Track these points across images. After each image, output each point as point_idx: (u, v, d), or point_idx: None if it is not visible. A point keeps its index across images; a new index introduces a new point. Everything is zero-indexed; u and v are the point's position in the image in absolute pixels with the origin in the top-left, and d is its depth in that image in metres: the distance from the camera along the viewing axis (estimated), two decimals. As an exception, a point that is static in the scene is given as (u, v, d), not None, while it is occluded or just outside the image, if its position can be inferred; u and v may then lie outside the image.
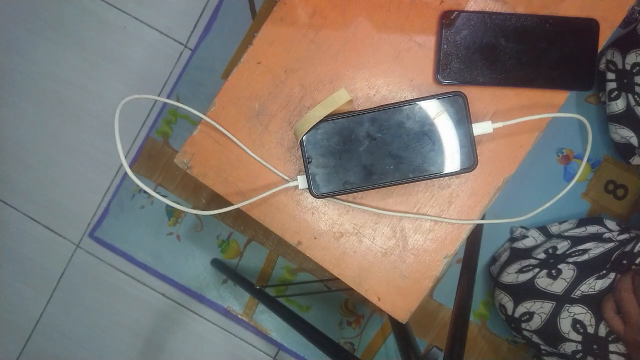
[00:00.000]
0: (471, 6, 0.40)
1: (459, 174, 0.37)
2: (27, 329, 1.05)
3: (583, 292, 0.71)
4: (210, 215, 1.01)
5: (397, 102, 0.37)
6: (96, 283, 1.03)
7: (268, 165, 0.41)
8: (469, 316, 0.65)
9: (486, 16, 0.39)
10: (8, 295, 1.05)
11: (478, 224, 0.48)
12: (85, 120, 1.01)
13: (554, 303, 0.73)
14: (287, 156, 0.41)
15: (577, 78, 0.40)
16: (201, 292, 1.02)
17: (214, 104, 0.41)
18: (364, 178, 0.37)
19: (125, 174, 1.01)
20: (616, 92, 0.81)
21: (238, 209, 0.40)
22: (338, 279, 0.41)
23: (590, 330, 0.69)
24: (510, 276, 0.82)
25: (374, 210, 0.40)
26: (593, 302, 0.70)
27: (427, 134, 0.37)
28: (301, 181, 0.39)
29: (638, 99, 0.76)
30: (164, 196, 0.71)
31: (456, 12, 0.39)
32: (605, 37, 0.40)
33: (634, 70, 0.76)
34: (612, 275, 0.70)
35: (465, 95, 0.36)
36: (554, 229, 0.89)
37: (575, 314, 0.71)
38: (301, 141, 0.37)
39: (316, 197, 0.38)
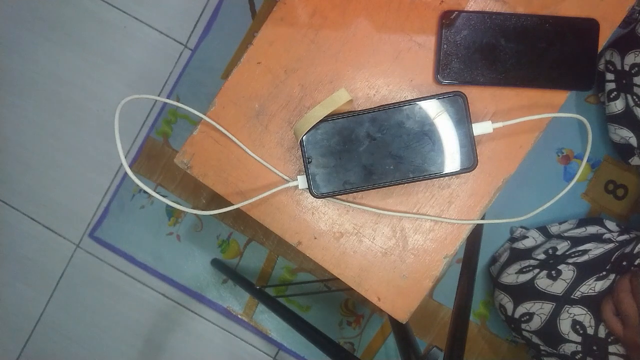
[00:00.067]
0: (471, 6, 0.40)
1: (459, 174, 0.37)
2: (27, 329, 1.05)
3: (583, 293, 0.71)
4: (210, 215, 1.01)
5: (397, 102, 0.37)
6: (96, 283, 1.03)
7: (268, 165, 0.41)
8: (469, 316, 0.65)
9: (486, 16, 0.39)
10: (8, 295, 1.05)
11: (478, 224, 0.48)
12: (85, 120, 1.01)
13: (554, 304, 0.73)
14: (287, 156, 0.41)
15: (577, 78, 0.40)
16: (201, 292, 1.02)
17: (214, 104, 0.41)
18: (364, 178, 0.37)
19: (125, 174, 1.01)
20: (615, 93, 0.81)
21: (238, 209, 0.40)
22: (338, 279, 0.41)
23: (590, 331, 0.69)
24: (510, 277, 0.82)
25: (374, 210, 0.40)
26: (593, 303, 0.70)
27: (427, 134, 0.37)
28: (301, 181, 0.39)
29: (637, 99, 0.76)
30: (164, 196, 0.71)
31: (456, 12, 0.39)
32: (605, 37, 0.40)
33: (633, 71, 0.76)
34: (612, 276, 0.70)
35: (465, 95, 0.36)
36: (554, 229, 0.89)
37: (575, 315, 0.71)
38: (301, 141, 0.37)
39: (316, 197, 0.38)
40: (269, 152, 0.41)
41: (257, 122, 0.41)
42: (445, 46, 0.39)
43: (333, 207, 0.41)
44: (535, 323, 0.76)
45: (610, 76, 0.81)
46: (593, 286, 0.71)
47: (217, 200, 1.00)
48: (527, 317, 0.77)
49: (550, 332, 0.74)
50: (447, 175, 0.37)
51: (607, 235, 0.79)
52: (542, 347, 0.77)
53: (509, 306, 0.81)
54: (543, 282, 0.76)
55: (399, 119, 0.37)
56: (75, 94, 1.01)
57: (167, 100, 0.39)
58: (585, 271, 0.73)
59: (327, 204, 0.41)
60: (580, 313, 0.71)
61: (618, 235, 0.78)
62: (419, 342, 0.98)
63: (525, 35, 0.39)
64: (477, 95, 0.40)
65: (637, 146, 0.80)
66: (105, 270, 1.03)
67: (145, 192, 0.93)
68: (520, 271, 0.81)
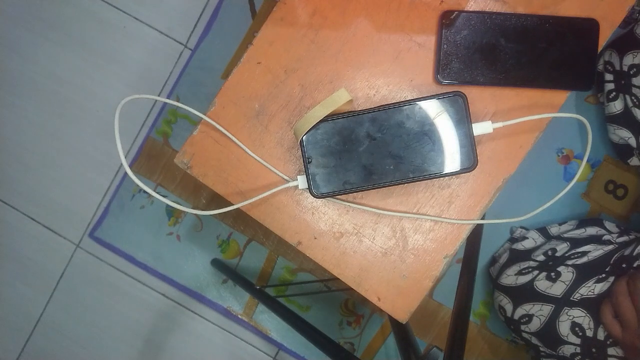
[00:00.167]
0: (471, 6, 0.40)
1: (459, 174, 0.37)
2: (27, 329, 1.05)
3: (582, 295, 0.71)
4: (210, 215, 1.01)
5: (397, 102, 0.37)
6: (96, 283, 1.03)
7: (268, 165, 0.41)
8: (469, 316, 0.65)
9: (486, 16, 0.39)
10: (8, 295, 1.05)
11: (478, 224, 0.48)
12: (85, 120, 1.01)
13: (553, 306, 0.73)
14: (287, 156, 0.41)
15: (577, 78, 0.40)
16: (201, 292, 1.02)
17: (214, 104, 0.41)
18: (364, 178, 0.37)
19: (125, 174, 1.01)
20: (614, 93, 0.81)
21: (238, 209, 0.40)
22: (338, 279, 0.41)
23: (589, 333, 0.69)
24: (510, 278, 0.82)
25: (374, 210, 0.40)
26: (592, 306, 0.70)
27: (427, 134, 0.37)
28: (301, 181, 0.39)
29: (635, 100, 0.76)
30: (164, 196, 0.71)
31: (456, 12, 0.39)
32: (605, 37, 0.40)
33: (631, 72, 0.76)
34: (612, 278, 0.69)
35: (465, 95, 0.36)
36: (554, 230, 0.89)
37: (574, 317, 0.71)
38: (301, 141, 0.37)
39: (316, 197, 0.38)
40: (269, 152, 0.41)
41: (257, 122, 0.41)
42: (445, 46, 0.39)
43: (333, 207, 0.41)
44: (535, 325, 0.76)
45: (609, 76, 0.81)
46: (592, 288, 0.71)
47: (217, 200, 1.00)
48: (527, 318, 0.77)
49: (549, 333, 0.74)
50: (447, 175, 0.37)
51: (606, 237, 0.79)
52: (541, 349, 0.77)
53: (508, 307, 0.81)
54: (542, 284, 0.76)
55: (399, 119, 0.37)
56: (75, 94, 1.01)
57: (167, 100, 0.39)
58: (585, 273, 0.73)
59: (327, 204, 0.41)
60: (579, 315, 0.71)
61: (618, 237, 0.78)
62: (419, 342, 0.98)
63: (525, 35, 0.39)
64: (477, 95, 0.40)
65: (636, 147, 0.80)
66: (105, 270, 1.03)
67: (145, 192, 0.93)
68: (520, 272, 0.81)
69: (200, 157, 0.41)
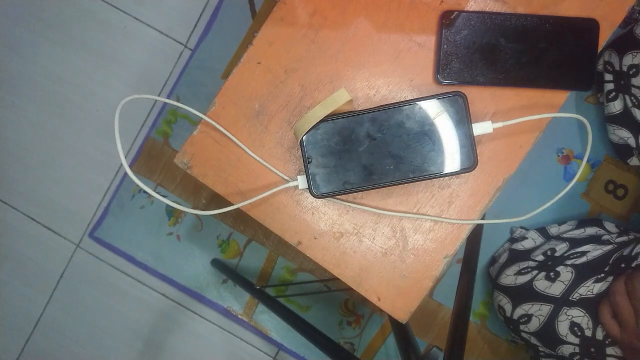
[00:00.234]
0: (471, 6, 0.40)
1: (459, 174, 0.37)
2: (27, 329, 1.05)
3: (581, 295, 0.71)
4: (210, 215, 1.01)
5: (397, 102, 0.37)
6: (96, 283, 1.03)
7: (268, 165, 0.41)
8: (469, 316, 0.65)
9: (486, 16, 0.39)
10: (8, 295, 1.05)
11: (478, 224, 0.48)
12: (85, 120, 1.01)
13: (552, 306, 0.73)
14: (287, 156, 0.41)
15: (577, 78, 0.40)
16: (201, 292, 1.02)
17: (214, 104, 0.41)
18: (364, 178, 0.37)
19: (125, 174, 1.01)
20: (614, 94, 0.81)
21: (238, 209, 0.40)
22: (338, 279, 0.41)
23: (588, 333, 0.69)
24: (509, 278, 0.82)
25: (374, 210, 0.40)
26: (591, 305, 0.70)
27: (427, 134, 0.37)
28: (301, 181, 0.39)
29: (635, 100, 0.76)
30: (164, 196, 0.71)
31: (456, 12, 0.39)
32: (605, 37, 0.40)
33: (631, 72, 0.76)
34: (610, 278, 0.69)
35: (465, 95, 0.36)
36: (553, 230, 0.89)
37: (573, 317, 0.71)
38: (301, 141, 0.37)
39: (316, 197, 0.38)
40: (269, 152, 0.41)
41: (257, 122, 0.41)
42: (445, 46, 0.39)
43: (333, 207, 0.41)
44: (534, 324, 0.76)
45: (608, 77, 0.81)
46: (591, 288, 0.71)
47: (217, 200, 1.00)
48: (526, 318, 0.77)
49: (548, 333, 0.74)
50: (447, 175, 0.37)
51: (605, 237, 0.79)
52: (540, 349, 0.78)
53: (508, 307, 0.81)
54: (541, 284, 0.76)
55: (399, 119, 0.37)
56: (75, 94, 1.01)
57: (167, 100, 0.39)
58: (584, 273, 0.73)
59: (327, 204, 0.41)
60: (578, 315, 0.71)
61: (617, 237, 0.78)
62: (419, 342, 0.98)
63: (525, 35, 0.39)
64: (477, 95, 0.40)
65: (635, 147, 0.80)
66: (105, 270, 1.03)
67: (145, 192, 0.93)
68: (519, 272, 0.81)
69: (200, 157, 0.41)
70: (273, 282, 1.00)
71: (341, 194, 0.38)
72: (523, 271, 0.81)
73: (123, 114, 0.99)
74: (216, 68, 0.98)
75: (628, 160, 0.85)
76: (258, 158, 0.41)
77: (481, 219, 0.40)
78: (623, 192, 0.93)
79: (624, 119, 0.80)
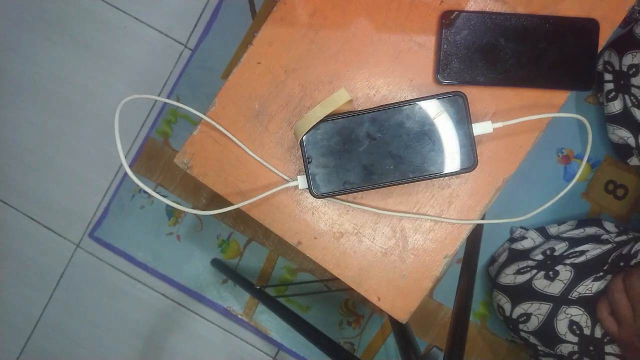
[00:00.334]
0: (471, 6, 0.40)
1: (459, 174, 0.37)
2: (27, 329, 1.05)
3: (580, 293, 0.71)
4: (210, 215, 1.01)
5: (397, 102, 0.37)
6: (96, 283, 1.03)
7: (268, 165, 0.41)
8: (469, 316, 0.65)
9: (486, 16, 0.39)
10: (8, 295, 1.05)
11: (478, 224, 0.48)
12: (85, 120, 1.01)
13: (551, 304, 0.73)
14: (287, 156, 0.41)
15: (577, 78, 0.40)
16: (201, 292, 1.02)
17: (214, 104, 0.41)
18: (364, 178, 0.37)
19: (125, 174, 1.01)
20: (613, 93, 0.81)
21: (238, 209, 0.40)
22: (338, 279, 0.41)
23: (587, 331, 0.69)
24: (508, 277, 0.82)
25: (374, 210, 0.40)
26: (590, 304, 0.70)
27: (427, 134, 0.37)
28: (301, 181, 0.39)
29: (635, 100, 0.76)
30: (164, 196, 0.71)
31: (456, 12, 0.39)
32: (605, 37, 0.40)
33: (631, 72, 0.76)
34: (609, 277, 0.70)
35: (465, 95, 0.36)
36: (553, 230, 0.89)
37: (572, 315, 0.71)
38: (301, 141, 0.37)
39: (316, 197, 0.38)
40: (269, 152, 0.41)
41: (257, 122, 0.41)
42: (445, 46, 0.39)
43: (333, 207, 0.41)
44: (533, 323, 0.76)
45: (608, 76, 0.81)
46: (590, 287, 0.71)
47: (217, 200, 1.00)
48: (525, 317, 0.77)
49: (547, 332, 0.74)
50: (447, 175, 0.37)
51: (605, 236, 0.79)
52: (539, 348, 0.78)
53: (507, 307, 0.81)
54: (540, 283, 0.76)
55: (399, 119, 0.37)
56: (76, 94, 1.01)
57: (167, 100, 0.39)
58: (583, 272, 0.73)
59: (327, 204, 0.41)
60: (577, 314, 0.71)
61: (616, 236, 0.78)
62: (419, 342, 0.98)
63: (525, 35, 0.39)
64: (477, 95, 0.40)
65: (635, 146, 0.80)
66: (105, 270, 1.03)
67: (145, 192, 0.93)
68: (518, 272, 0.81)
69: (200, 157, 0.41)
70: (273, 282, 1.00)
71: (341, 194, 0.38)
72: (522, 270, 0.81)
73: (123, 114, 0.99)
74: (216, 68, 0.98)
75: (628, 160, 0.85)
76: (258, 158, 0.41)
77: (481, 219, 0.40)
78: (623, 192, 0.93)
79: (623, 118, 0.80)
